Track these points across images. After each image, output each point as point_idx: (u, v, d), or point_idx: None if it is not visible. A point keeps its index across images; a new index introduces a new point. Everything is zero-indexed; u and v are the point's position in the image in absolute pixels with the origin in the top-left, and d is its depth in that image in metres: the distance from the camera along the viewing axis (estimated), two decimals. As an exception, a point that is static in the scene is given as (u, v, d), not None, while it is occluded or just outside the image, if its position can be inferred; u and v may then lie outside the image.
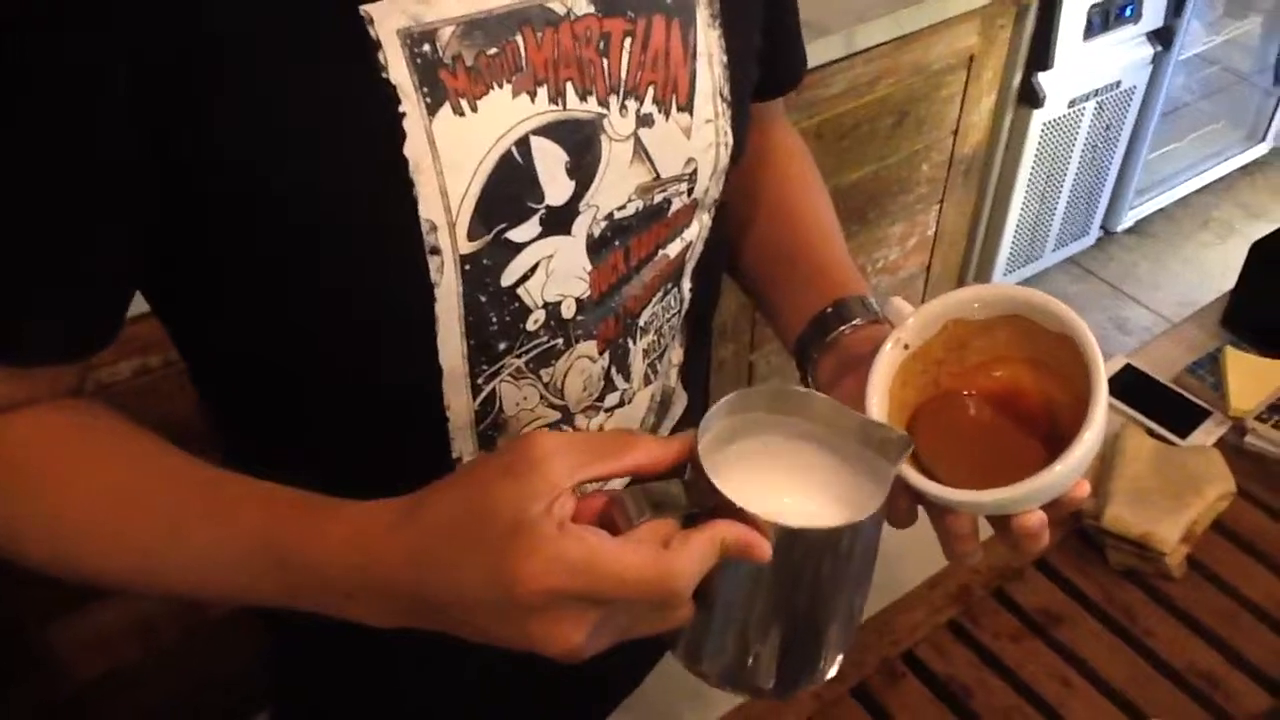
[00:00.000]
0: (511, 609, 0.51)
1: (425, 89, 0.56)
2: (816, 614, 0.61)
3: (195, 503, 0.61)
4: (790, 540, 0.56)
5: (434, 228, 0.59)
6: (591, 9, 0.62)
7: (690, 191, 0.71)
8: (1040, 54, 2.52)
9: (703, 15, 0.67)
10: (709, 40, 0.68)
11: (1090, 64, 2.69)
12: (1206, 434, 1.17)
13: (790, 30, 0.85)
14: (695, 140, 0.69)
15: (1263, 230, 1.34)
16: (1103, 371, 0.60)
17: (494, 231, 0.62)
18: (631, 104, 0.65)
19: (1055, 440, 0.61)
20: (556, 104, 0.62)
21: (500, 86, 0.59)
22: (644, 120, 0.66)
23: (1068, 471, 0.59)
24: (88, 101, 0.52)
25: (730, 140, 0.71)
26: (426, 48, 0.56)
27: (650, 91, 0.66)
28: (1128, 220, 3.31)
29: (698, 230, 0.74)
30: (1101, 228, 3.27)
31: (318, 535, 0.57)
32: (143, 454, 0.63)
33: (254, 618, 0.90)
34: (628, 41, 0.64)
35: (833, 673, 0.65)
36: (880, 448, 0.61)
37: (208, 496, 0.61)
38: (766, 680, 0.62)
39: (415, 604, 0.55)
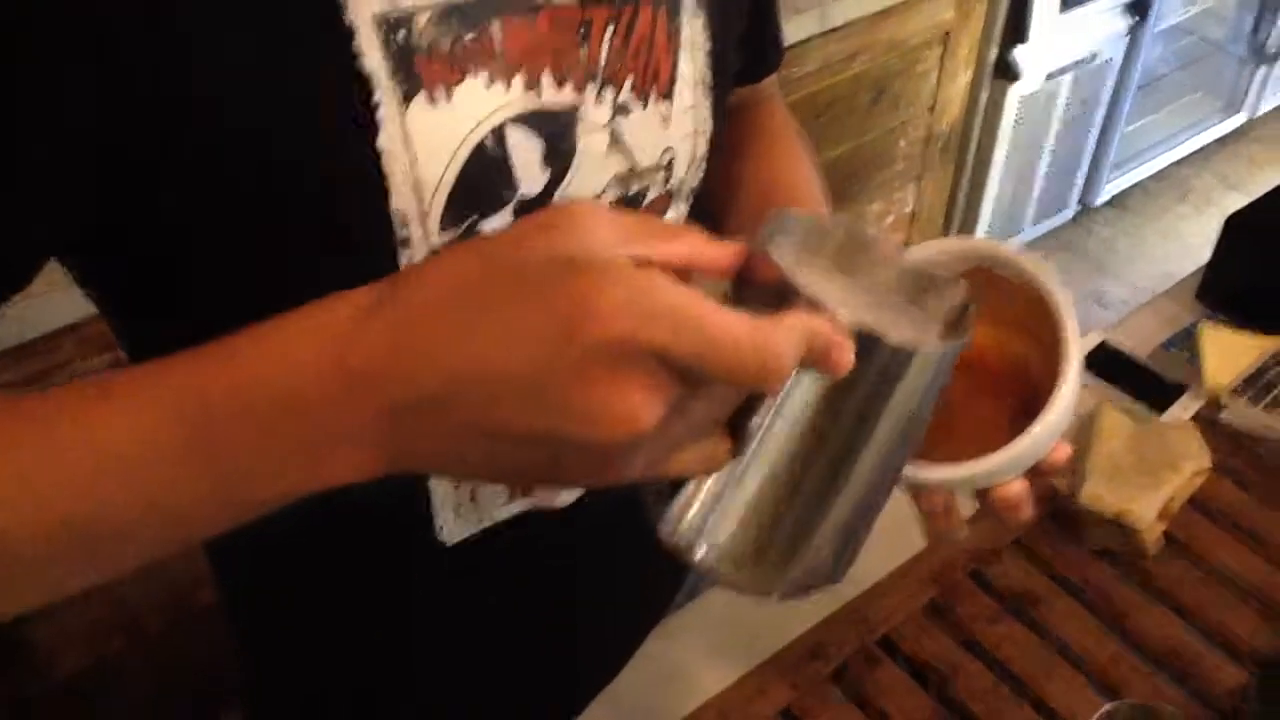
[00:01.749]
0: (567, 368, 0.39)
1: (400, 76, 0.55)
2: (868, 474, 0.49)
3: (68, 402, 0.46)
4: (876, 354, 0.45)
5: (406, 219, 0.58)
6: None
7: (667, 181, 0.70)
8: (1016, 27, 2.51)
9: (688, 3, 0.66)
10: (694, 28, 0.67)
11: (1066, 37, 2.68)
12: (1183, 409, 1.17)
13: (774, 9, 0.85)
14: (674, 129, 0.68)
15: (1240, 201, 1.34)
16: (1073, 324, 0.57)
17: (467, 223, 0.61)
18: (609, 92, 0.64)
19: (1031, 399, 0.59)
20: (532, 91, 0.60)
21: (475, 74, 0.58)
22: (620, 109, 0.65)
23: (1044, 436, 0.56)
24: (52, 103, 0.50)
25: (710, 128, 0.71)
26: (402, 33, 0.55)
27: (629, 80, 0.65)
28: (1106, 194, 3.31)
29: (674, 220, 0.74)
30: (1079, 202, 3.28)
31: (249, 358, 0.44)
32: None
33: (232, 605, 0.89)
34: (610, 29, 0.63)
35: (841, 577, 0.53)
36: (930, 302, 0.52)
37: (76, 393, 0.46)
38: (789, 559, 0.50)
39: (405, 408, 0.41)
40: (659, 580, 0.98)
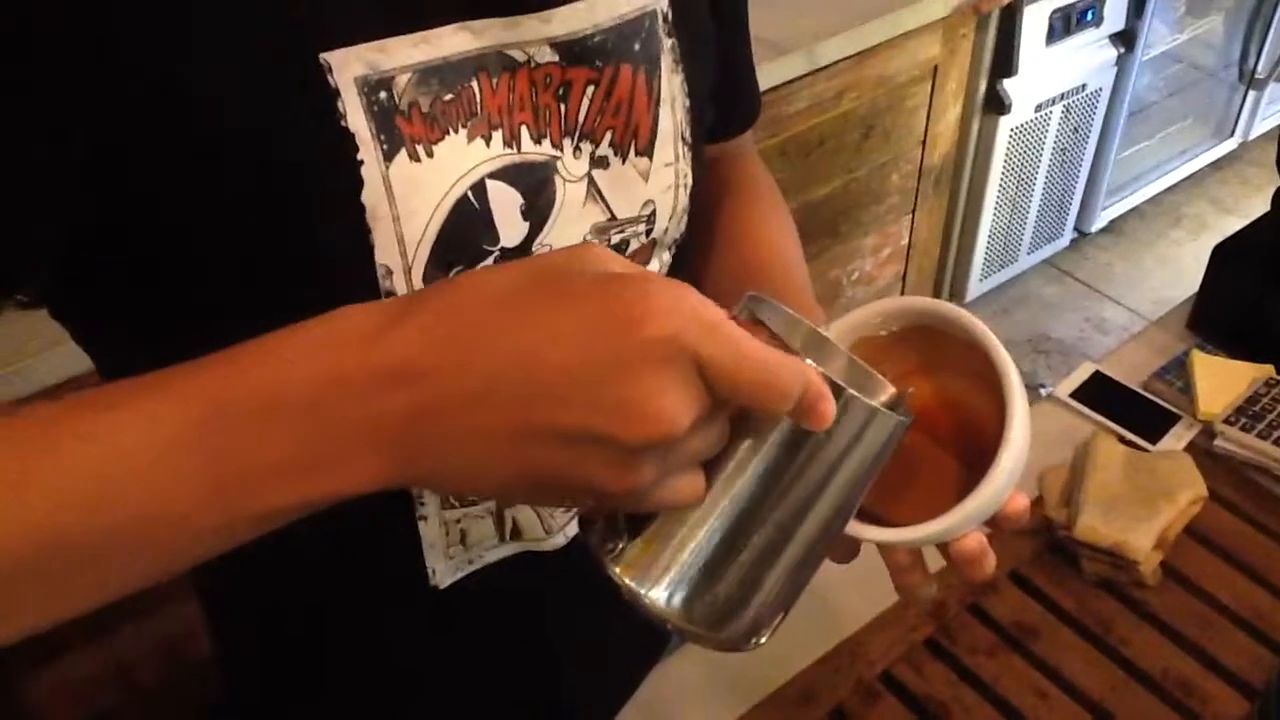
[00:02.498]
0: (617, 361, 0.41)
1: (382, 136, 0.56)
2: (814, 534, 0.51)
3: (69, 409, 0.45)
4: (851, 413, 0.48)
5: (389, 272, 0.59)
6: (555, 58, 0.62)
7: (649, 232, 0.71)
8: (1004, 61, 2.53)
9: (666, 61, 0.68)
10: (673, 85, 0.69)
11: (1054, 69, 2.70)
12: (1176, 439, 1.17)
13: (747, 64, 0.86)
14: (654, 183, 0.69)
15: (1235, 225, 1.35)
16: (1016, 378, 0.57)
17: (451, 274, 0.62)
18: (586, 146, 0.65)
19: (981, 453, 0.59)
20: (511, 147, 0.62)
21: (456, 132, 0.59)
22: (598, 162, 0.66)
23: (993, 494, 0.56)
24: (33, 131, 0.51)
25: (690, 181, 0.72)
26: (383, 95, 0.56)
27: (608, 136, 0.66)
28: (1101, 220, 3.33)
29: (657, 268, 0.74)
30: (1075, 229, 3.29)
31: (262, 362, 0.44)
32: None
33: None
34: (590, 89, 0.64)
35: (768, 636, 0.54)
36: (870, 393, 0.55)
37: (77, 400, 0.45)
38: (740, 608, 0.51)
39: (435, 407, 0.42)
40: (652, 624, 0.98)
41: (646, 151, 0.68)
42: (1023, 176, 2.86)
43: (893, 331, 0.63)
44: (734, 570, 0.50)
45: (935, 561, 0.63)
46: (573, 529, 0.77)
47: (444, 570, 0.73)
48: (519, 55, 0.61)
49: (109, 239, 0.55)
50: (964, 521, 0.57)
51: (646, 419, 0.41)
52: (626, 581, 0.49)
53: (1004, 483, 0.56)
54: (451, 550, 0.73)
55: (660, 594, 0.49)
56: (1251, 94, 3.49)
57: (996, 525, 0.59)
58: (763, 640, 0.53)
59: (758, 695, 0.95)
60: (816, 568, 0.54)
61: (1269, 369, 1.20)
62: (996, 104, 2.60)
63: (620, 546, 0.50)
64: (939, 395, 0.64)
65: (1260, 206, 1.27)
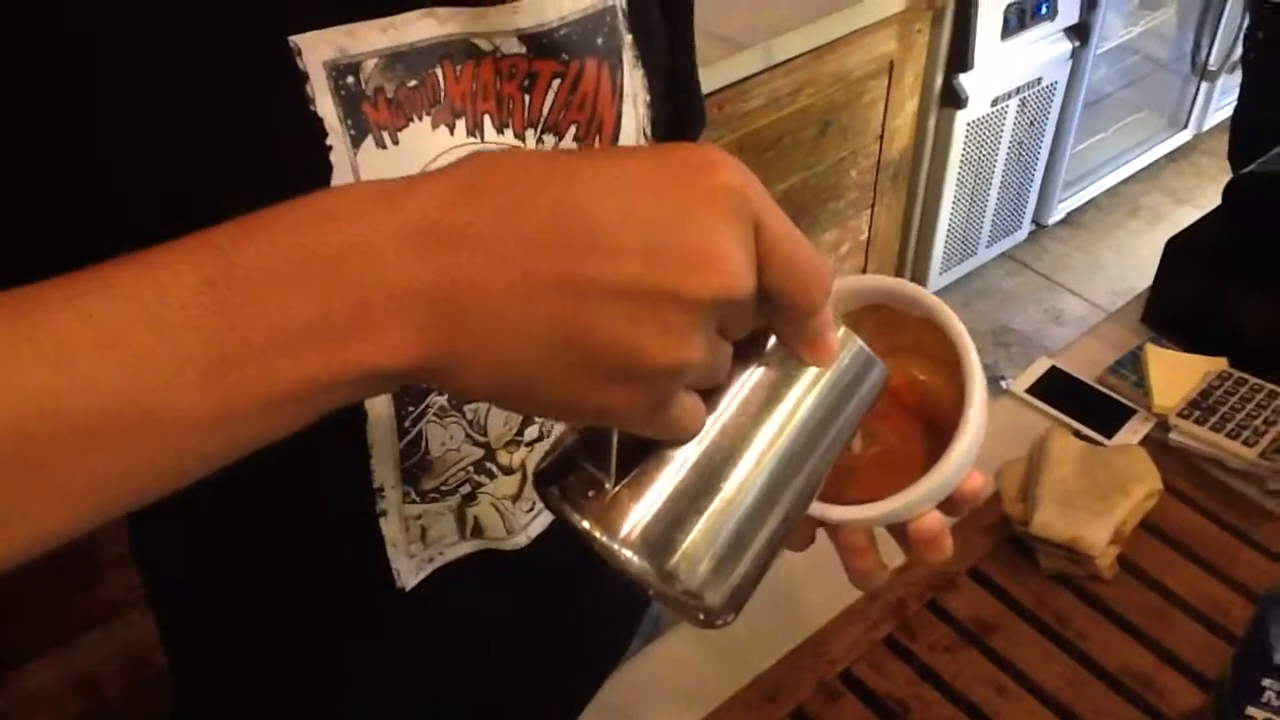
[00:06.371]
0: (683, 205, 0.39)
1: (349, 122, 0.56)
2: (803, 486, 0.49)
3: (54, 282, 0.38)
4: (851, 355, 0.49)
5: None
6: (522, 50, 0.61)
7: None
8: (960, 56, 2.55)
9: (628, 56, 0.68)
10: (634, 81, 0.68)
11: (1010, 63, 2.72)
12: (1132, 432, 1.18)
13: (693, 73, 0.86)
14: None
15: (1191, 215, 1.36)
16: (974, 355, 0.57)
17: None
18: (549, 139, 0.65)
19: (938, 432, 0.59)
20: (474, 136, 0.61)
21: (420, 119, 0.59)
22: None
23: (951, 470, 0.56)
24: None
25: None
26: (350, 80, 0.55)
27: (572, 130, 0.66)
28: (1058, 213, 3.35)
29: None
30: (1033, 222, 3.31)
31: (281, 219, 0.39)
32: None
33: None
34: (556, 82, 0.64)
35: (735, 615, 0.50)
36: None
37: (59, 279, 0.38)
38: (712, 572, 0.47)
39: (485, 260, 0.38)
40: (614, 625, 0.98)
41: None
42: (980, 170, 2.88)
43: (850, 311, 0.62)
44: (724, 522, 0.47)
45: (894, 559, 0.62)
46: (535, 529, 0.77)
47: (407, 570, 0.73)
48: (485, 45, 0.60)
49: (69, 215, 0.53)
50: (923, 498, 0.56)
51: (712, 267, 0.38)
52: (601, 536, 0.45)
53: (963, 458, 0.56)
54: (412, 548, 0.72)
55: (642, 549, 0.45)
56: (1204, 85, 3.53)
57: (954, 505, 0.59)
58: (732, 618, 0.49)
59: (721, 697, 0.95)
60: (793, 531, 0.51)
61: (1222, 362, 1.21)
62: (953, 98, 2.61)
63: (602, 493, 0.46)
64: (896, 376, 0.62)
65: (1216, 196, 1.29)
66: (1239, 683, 0.83)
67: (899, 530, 0.60)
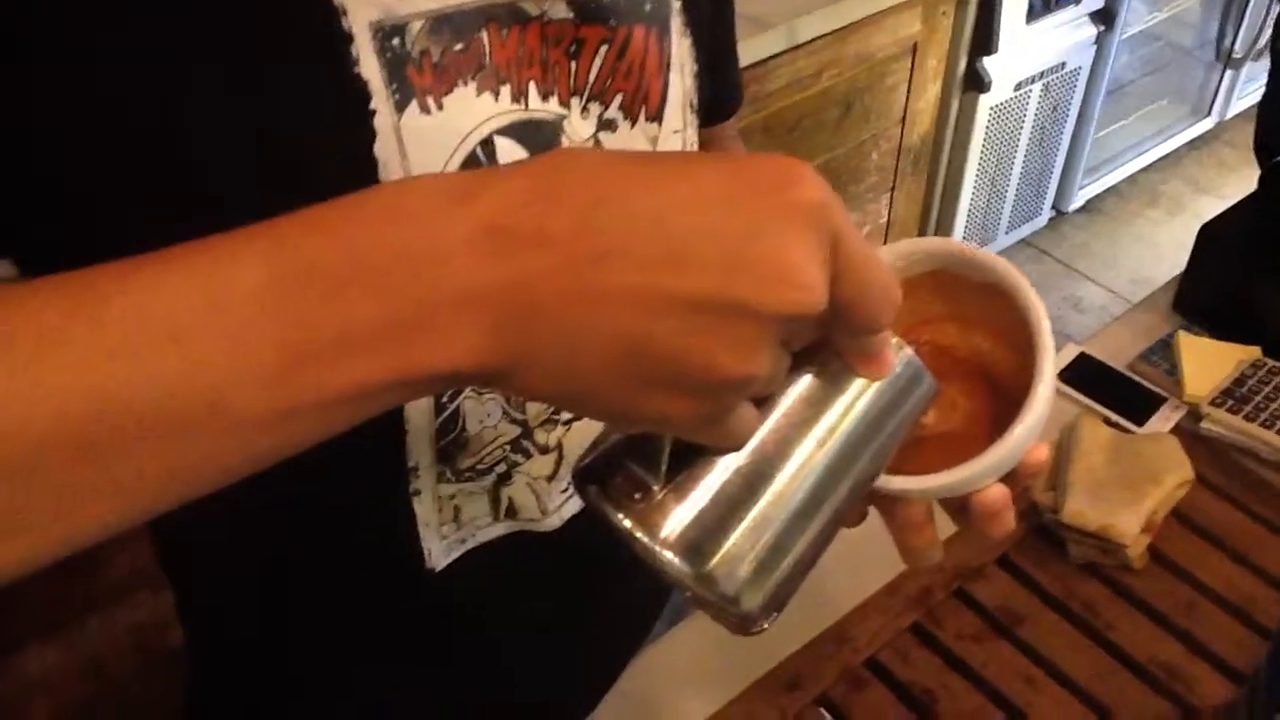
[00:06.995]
0: (758, 222, 0.38)
1: (394, 85, 0.54)
2: (846, 495, 0.49)
3: (104, 270, 0.37)
4: (905, 369, 0.48)
5: None
6: (569, 14, 0.60)
7: None
8: (984, 39, 2.52)
9: (676, 23, 0.66)
10: (682, 49, 0.67)
11: (1034, 47, 2.69)
12: (1163, 421, 1.17)
13: (733, 49, 0.84)
14: (661, 150, 0.67)
15: (1211, 205, 1.34)
16: (1045, 321, 0.55)
17: None
18: (595, 107, 0.63)
19: (1000, 400, 0.57)
20: (519, 103, 0.60)
21: (465, 84, 0.57)
22: (606, 124, 0.64)
23: (1024, 436, 0.54)
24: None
25: (697, 149, 0.70)
26: (396, 42, 0.53)
27: (618, 99, 0.64)
28: (1079, 200, 3.32)
29: None
30: (1053, 208, 3.29)
31: (347, 216, 0.38)
32: None
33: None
34: (603, 49, 0.62)
35: (772, 620, 0.49)
36: None
37: (108, 267, 0.37)
38: (751, 578, 0.46)
39: (556, 263, 0.37)
40: (641, 606, 0.97)
41: (656, 117, 0.66)
42: (1002, 155, 2.86)
43: (908, 278, 0.60)
44: (766, 530, 0.46)
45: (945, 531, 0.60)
46: (569, 510, 0.76)
47: (439, 551, 0.72)
48: (532, 9, 0.58)
49: (104, 188, 0.52)
50: (988, 470, 0.54)
51: (790, 282, 0.38)
52: (644, 538, 0.45)
53: (1030, 431, 0.54)
54: (445, 529, 0.71)
55: (682, 552, 0.45)
56: (1229, 73, 3.49)
57: (1016, 478, 0.57)
58: (767, 625, 0.49)
59: (743, 683, 0.94)
60: (833, 538, 0.50)
61: (1255, 350, 1.19)
62: (976, 82, 2.58)
63: (649, 496, 0.45)
64: (958, 344, 0.61)
65: (1237, 186, 1.27)
66: (1275, 679, 0.81)
67: (957, 504, 0.57)
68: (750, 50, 1.90)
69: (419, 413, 0.65)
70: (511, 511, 0.73)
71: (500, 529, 0.74)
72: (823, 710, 0.92)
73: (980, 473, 0.54)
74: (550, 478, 0.74)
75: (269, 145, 0.52)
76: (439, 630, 0.79)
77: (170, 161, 0.52)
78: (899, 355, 0.48)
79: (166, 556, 0.83)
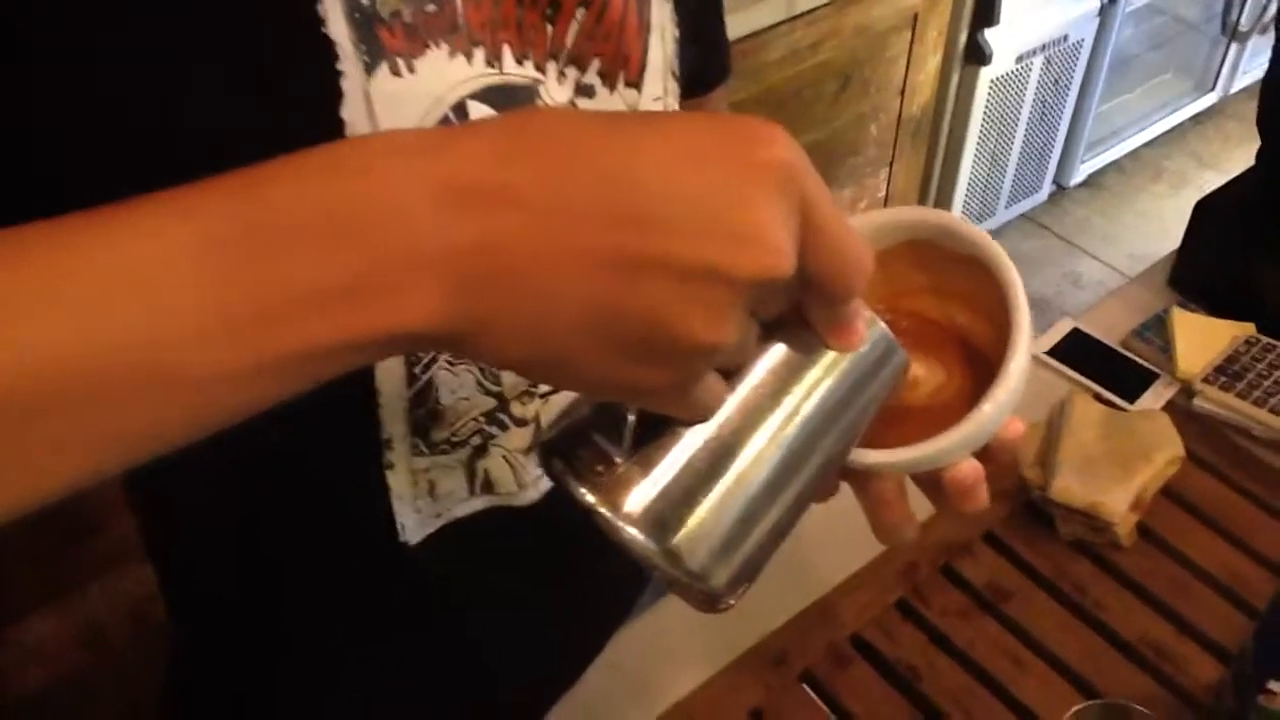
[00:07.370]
0: (735, 182, 0.37)
1: (363, 46, 0.52)
2: (815, 472, 0.48)
3: (65, 223, 0.35)
4: (876, 342, 0.48)
5: None
6: None
7: None
8: (985, 10, 2.50)
9: None
10: (662, 14, 0.65)
11: (1036, 19, 2.67)
12: (1155, 397, 1.16)
13: (719, 16, 0.82)
14: None
15: (1215, 180, 1.33)
16: (1022, 295, 0.54)
17: None
18: (571, 72, 0.62)
19: (980, 376, 0.56)
20: (493, 67, 0.58)
21: (437, 46, 0.55)
22: (583, 90, 0.63)
23: (996, 412, 0.53)
24: None
25: None
26: (366, 1, 0.52)
27: (596, 64, 0.63)
28: (1080, 174, 3.31)
29: None
30: (1054, 183, 3.27)
31: (306, 169, 0.37)
32: None
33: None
34: (580, 11, 0.61)
35: (739, 597, 0.48)
36: None
37: (61, 221, 0.36)
38: (719, 554, 0.45)
39: (524, 223, 0.36)
40: (622, 582, 0.97)
41: (635, 83, 0.65)
42: (1002, 129, 2.84)
43: (884, 249, 0.59)
44: (733, 505, 0.45)
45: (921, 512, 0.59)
46: (546, 484, 0.75)
47: (413, 525, 0.71)
48: None
49: (68, 150, 0.51)
50: (958, 445, 0.53)
51: (757, 245, 0.37)
52: (606, 511, 0.44)
53: (1001, 406, 0.53)
54: (419, 503, 0.70)
55: (647, 527, 0.44)
56: (1233, 47, 3.46)
57: (991, 454, 0.56)
58: (734, 603, 0.48)
59: (728, 657, 0.93)
60: (802, 513, 0.50)
61: (1250, 327, 1.18)
62: (977, 54, 2.56)
63: (612, 468, 0.44)
64: (936, 316, 0.60)
65: (1241, 161, 1.25)
66: (1260, 656, 0.81)
67: (931, 480, 0.56)
68: (747, 20, 1.88)
69: (391, 383, 0.64)
70: (488, 485, 0.72)
71: (477, 504, 0.73)
72: (805, 686, 0.91)
73: (948, 448, 0.53)
74: (527, 451, 0.73)
75: (231, 109, 0.51)
76: (416, 606, 0.79)
77: (170, 161, 0.51)
78: (870, 328, 0.48)
79: (144, 529, 0.83)
